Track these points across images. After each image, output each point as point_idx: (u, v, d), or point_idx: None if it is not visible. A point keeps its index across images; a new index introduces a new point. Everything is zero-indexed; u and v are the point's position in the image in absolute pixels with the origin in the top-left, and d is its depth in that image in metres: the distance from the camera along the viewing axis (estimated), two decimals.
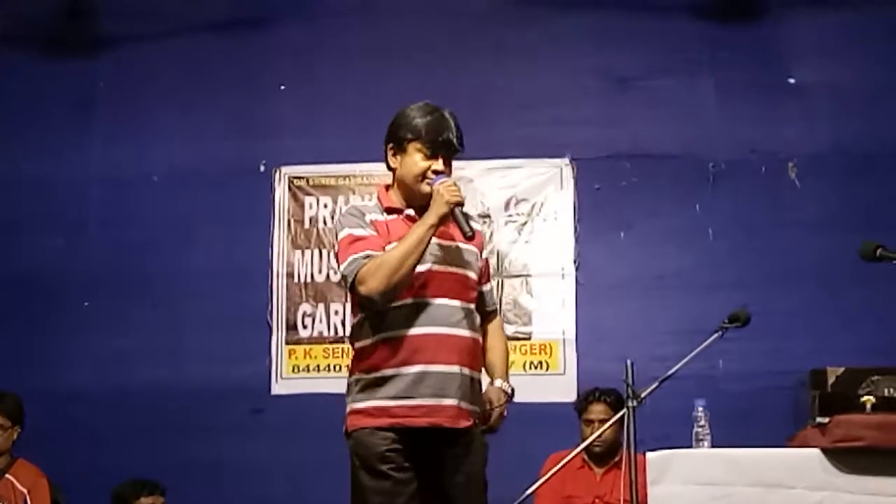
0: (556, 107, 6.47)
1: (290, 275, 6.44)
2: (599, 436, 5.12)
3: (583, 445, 5.14)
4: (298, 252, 6.46)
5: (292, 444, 6.14)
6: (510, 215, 6.41)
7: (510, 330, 6.21)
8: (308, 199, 6.52)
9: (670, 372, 4.45)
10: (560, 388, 6.07)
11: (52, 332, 6.39)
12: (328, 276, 6.39)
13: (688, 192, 6.32)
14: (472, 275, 3.85)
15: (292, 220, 6.50)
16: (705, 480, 4.04)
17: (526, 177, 6.43)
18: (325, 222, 6.47)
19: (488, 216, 6.39)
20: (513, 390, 3.89)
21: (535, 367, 6.19)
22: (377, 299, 3.65)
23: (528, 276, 6.33)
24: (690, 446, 4.25)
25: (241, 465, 6.14)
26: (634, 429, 4.37)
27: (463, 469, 3.74)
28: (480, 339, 3.86)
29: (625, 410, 4.41)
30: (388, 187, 3.94)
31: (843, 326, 5.95)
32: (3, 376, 6.08)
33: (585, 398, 5.60)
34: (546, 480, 5.01)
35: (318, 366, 6.33)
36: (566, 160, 6.41)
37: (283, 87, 6.65)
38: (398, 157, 3.86)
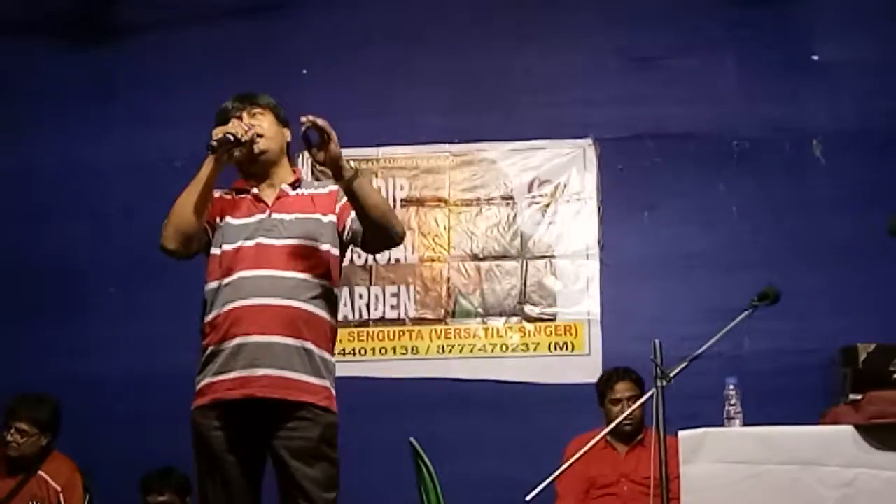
0: (579, 87, 6.45)
1: None
2: (629, 414, 5.13)
3: (613, 424, 5.14)
4: None
5: None
6: (533, 197, 6.39)
7: (535, 311, 6.22)
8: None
9: (700, 350, 4.43)
10: (585, 368, 6.04)
11: (77, 319, 6.39)
12: (351, 259, 6.36)
13: (712, 171, 6.29)
14: (313, 244, 3.76)
15: None
16: (738, 459, 4.04)
17: (549, 158, 6.41)
18: None
19: (511, 197, 6.38)
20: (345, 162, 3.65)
21: (560, 349, 6.17)
22: (170, 248, 3.80)
23: (552, 257, 6.31)
24: (718, 425, 4.23)
25: None
26: (663, 409, 4.36)
27: (291, 444, 3.67)
28: (320, 311, 3.74)
29: (653, 390, 4.40)
30: None
31: (870, 303, 5.90)
32: (29, 363, 6.12)
33: (608, 379, 5.61)
34: (569, 466, 5.00)
35: (343, 349, 6.30)
36: (589, 141, 6.39)
37: (305, 72, 6.63)
38: None
